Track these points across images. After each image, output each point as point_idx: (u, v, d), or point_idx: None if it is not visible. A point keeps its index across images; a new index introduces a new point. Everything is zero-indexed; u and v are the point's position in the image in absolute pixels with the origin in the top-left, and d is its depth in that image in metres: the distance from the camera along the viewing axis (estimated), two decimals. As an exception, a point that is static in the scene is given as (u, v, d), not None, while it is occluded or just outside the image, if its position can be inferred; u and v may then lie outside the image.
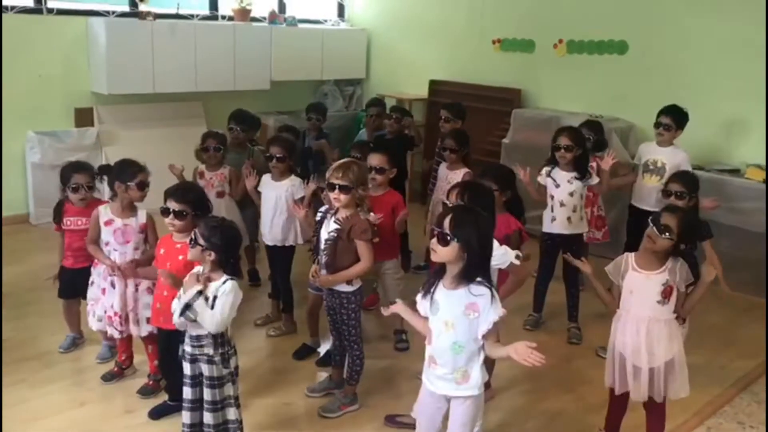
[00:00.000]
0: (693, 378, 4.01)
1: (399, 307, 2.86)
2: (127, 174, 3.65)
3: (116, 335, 3.78)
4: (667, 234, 3.02)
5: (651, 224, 3.08)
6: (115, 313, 3.68)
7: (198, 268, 2.98)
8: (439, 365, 2.67)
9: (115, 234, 3.68)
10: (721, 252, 5.04)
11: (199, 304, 2.85)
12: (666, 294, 3.07)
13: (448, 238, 2.52)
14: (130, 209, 3.72)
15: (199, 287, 2.87)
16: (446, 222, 2.55)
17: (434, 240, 2.57)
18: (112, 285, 3.69)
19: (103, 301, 3.74)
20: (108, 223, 3.69)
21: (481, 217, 2.66)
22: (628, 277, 3.15)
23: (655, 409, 3.23)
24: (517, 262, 3.11)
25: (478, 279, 2.57)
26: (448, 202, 3.28)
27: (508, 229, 3.50)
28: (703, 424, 3.72)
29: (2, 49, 6.13)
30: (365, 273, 3.53)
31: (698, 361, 4.25)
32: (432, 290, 2.67)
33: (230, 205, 4.80)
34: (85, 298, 4.01)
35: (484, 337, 2.60)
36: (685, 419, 3.73)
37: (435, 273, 2.69)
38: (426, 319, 2.72)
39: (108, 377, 3.90)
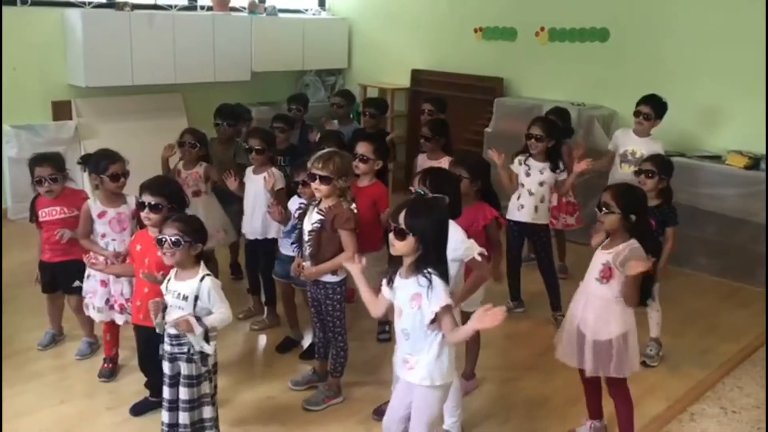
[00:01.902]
0: (675, 364, 4.06)
1: (356, 268, 2.86)
2: (100, 166, 3.62)
3: (120, 321, 3.75)
4: (605, 209, 3.07)
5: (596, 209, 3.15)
6: (127, 300, 3.65)
7: (170, 277, 2.97)
8: (397, 346, 2.80)
9: (111, 224, 3.68)
10: (704, 238, 5.11)
11: (209, 322, 2.87)
12: (604, 274, 3.09)
13: (405, 232, 2.55)
14: (118, 197, 3.71)
15: (197, 325, 2.85)
16: (401, 216, 2.57)
17: (391, 234, 2.59)
18: (118, 275, 3.67)
19: (101, 292, 3.72)
20: (101, 215, 3.68)
21: (436, 209, 2.69)
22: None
23: (616, 393, 3.25)
24: (479, 259, 3.10)
25: (428, 270, 2.57)
26: (412, 189, 3.26)
27: (486, 219, 3.51)
28: (686, 411, 3.74)
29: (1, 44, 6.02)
30: (348, 260, 3.49)
31: (681, 347, 4.30)
32: (393, 278, 2.73)
33: (208, 203, 4.71)
34: (66, 292, 4.00)
35: (435, 328, 2.62)
36: (668, 405, 3.75)
37: (394, 262, 2.72)
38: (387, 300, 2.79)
39: (108, 374, 3.85)
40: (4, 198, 6.47)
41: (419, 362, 2.68)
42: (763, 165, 5.36)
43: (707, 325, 4.76)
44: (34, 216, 3.88)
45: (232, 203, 4.88)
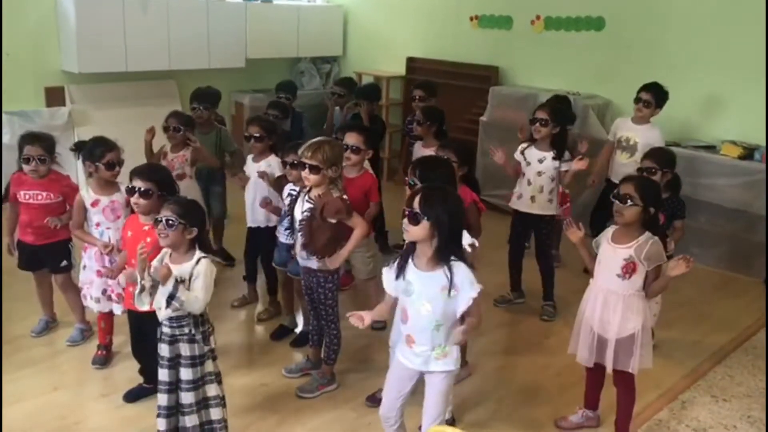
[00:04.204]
0: (668, 353, 4.08)
1: (366, 319, 2.80)
2: (96, 153, 3.60)
3: (118, 311, 3.75)
4: (629, 201, 3.02)
5: (613, 201, 3.09)
6: (124, 289, 3.59)
7: (163, 256, 2.93)
8: (417, 343, 2.70)
9: (105, 212, 3.67)
10: (697, 228, 5.12)
11: (182, 291, 2.81)
12: (627, 270, 3.06)
13: (419, 217, 2.54)
14: (111, 185, 3.69)
15: (174, 277, 2.82)
16: (416, 201, 2.57)
17: (405, 220, 2.59)
18: (111, 263, 3.65)
19: (97, 282, 3.72)
20: (95, 204, 3.66)
21: (451, 195, 2.68)
22: (601, 248, 3.18)
23: (622, 383, 3.25)
24: (469, 250, 3.04)
25: (453, 258, 2.58)
26: (406, 179, 3.26)
27: (465, 203, 3.49)
28: (677, 399, 3.76)
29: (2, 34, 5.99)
30: (365, 237, 3.52)
31: (672, 336, 4.31)
32: (404, 271, 2.67)
33: (191, 187, 4.68)
34: (54, 272, 4.01)
35: (466, 314, 2.63)
36: (659, 393, 3.77)
37: (405, 252, 2.71)
38: (393, 299, 2.78)
39: (102, 361, 3.86)
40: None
41: (452, 350, 2.70)
42: (757, 155, 5.37)
43: (700, 314, 4.78)
44: (8, 193, 3.85)
45: (216, 185, 4.87)
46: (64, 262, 3.97)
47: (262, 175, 4.18)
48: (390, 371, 2.94)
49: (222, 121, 5.46)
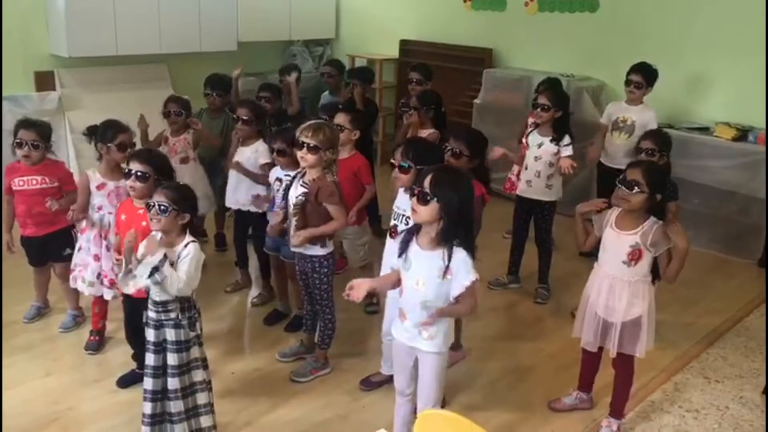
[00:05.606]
0: (661, 335, 4.07)
1: (362, 287, 2.70)
2: (108, 135, 3.58)
3: (108, 297, 3.73)
4: (636, 188, 2.97)
5: (619, 186, 3.03)
6: (116, 275, 3.60)
7: (156, 233, 2.91)
8: (408, 319, 2.72)
9: (109, 197, 3.64)
10: (691, 210, 5.12)
11: (167, 268, 2.78)
12: (633, 257, 3.02)
13: (428, 197, 2.52)
14: (119, 170, 3.64)
15: (164, 250, 2.80)
16: (426, 181, 2.54)
17: (414, 199, 2.57)
18: (108, 249, 3.63)
19: (93, 266, 3.69)
20: (100, 187, 3.64)
21: (462, 179, 2.66)
22: (605, 233, 3.14)
23: (622, 365, 3.25)
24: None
25: (456, 241, 2.56)
26: (393, 162, 3.21)
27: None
28: (670, 380, 3.78)
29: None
30: (337, 231, 3.48)
31: (666, 318, 4.32)
32: (407, 248, 2.68)
33: (194, 171, 4.69)
34: (57, 261, 3.98)
35: (458, 299, 2.61)
36: (652, 375, 3.79)
37: (408, 231, 2.70)
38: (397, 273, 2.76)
39: (95, 346, 3.86)
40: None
41: (439, 332, 2.69)
42: (751, 137, 5.36)
43: (692, 296, 4.78)
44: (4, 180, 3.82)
45: (217, 176, 4.85)
46: (67, 251, 3.91)
47: (237, 167, 4.19)
48: (393, 347, 2.93)
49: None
